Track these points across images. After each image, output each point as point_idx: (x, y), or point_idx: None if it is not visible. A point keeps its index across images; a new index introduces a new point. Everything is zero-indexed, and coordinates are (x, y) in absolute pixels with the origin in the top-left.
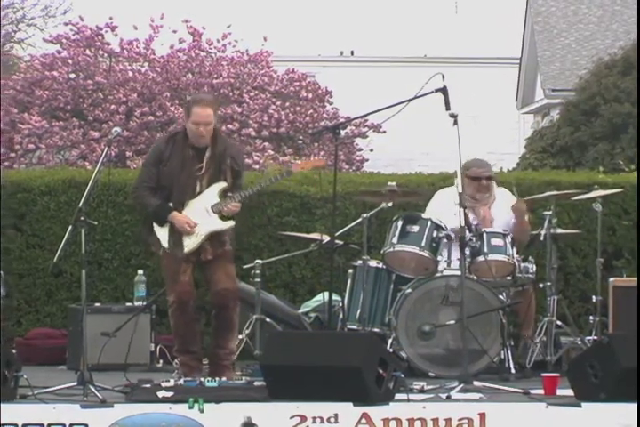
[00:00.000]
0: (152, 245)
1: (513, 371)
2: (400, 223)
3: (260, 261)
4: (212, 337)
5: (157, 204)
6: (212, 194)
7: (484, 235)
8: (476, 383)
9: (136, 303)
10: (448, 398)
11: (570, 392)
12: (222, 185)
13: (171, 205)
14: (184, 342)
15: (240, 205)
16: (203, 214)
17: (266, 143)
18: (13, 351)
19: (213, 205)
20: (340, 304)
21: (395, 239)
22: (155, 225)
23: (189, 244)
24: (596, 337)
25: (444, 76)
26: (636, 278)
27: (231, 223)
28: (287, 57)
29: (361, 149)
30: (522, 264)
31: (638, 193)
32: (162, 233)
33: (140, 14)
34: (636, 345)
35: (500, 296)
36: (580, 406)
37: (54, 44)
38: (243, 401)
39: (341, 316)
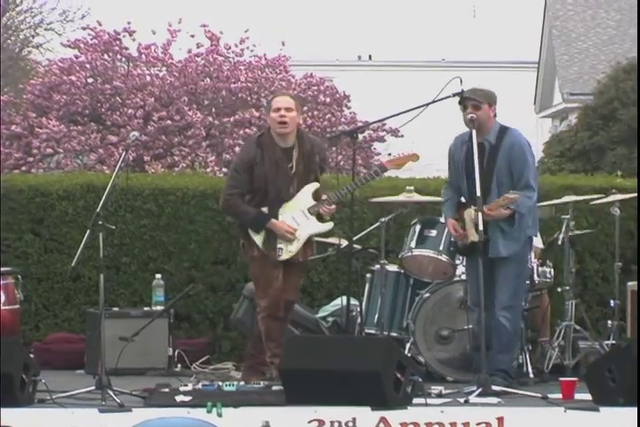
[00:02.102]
0: (244, 250)
1: (531, 375)
2: (418, 228)
3: None
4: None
5: (255, 212)
6: (306, 196)
7: None
8: (494, 388)
9: (154, 308)
10: (466, 402)
11: (588, 397)
12: (315, 186)
13: (265, 209)
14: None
15: (335, 207)
16: (301, 218)
17: None
18: (31, 356)
19: (310, 208)
20: (358, 309)
21: (413, 243)
22: (259, 235)
23: (291, 249)
24: (614, 341)
25: (461, 80)
26: None
27: (330, 225)
28: (305, 61)
29: (379, 154)
30: (540, 268)
31: (638, 198)
32: (257, 237)
33: (158, 19)
34: None
35: None
36: (598, 410)
37: (72, 48)
38: (261, 405)
39: (359, 320)
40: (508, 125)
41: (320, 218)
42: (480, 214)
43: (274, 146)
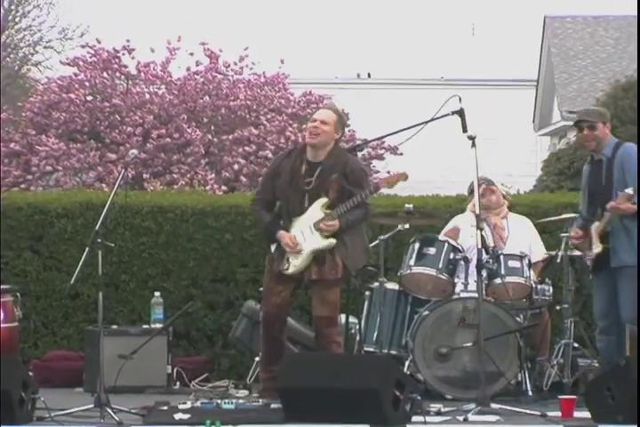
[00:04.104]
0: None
1: (530, 393)
2: (417, 245)
3: None
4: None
5: (268, 221)
6: (315, 211)
7: (501, 257)
8: (494, 406)
9: (153, 325)
10: (465, 420)
11: (587, 415)
12: (323, 201)
13: (281, 222)
14: (264, 358)
15: (337, 223)
16: (307, 232)
17: None
18: (30, 373)
19: (315, 223)
20: (357, 326)
21: (412, 261)
22: (272, 246)
23: (295, 264)
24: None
25: (460, 99)
26: None
27: (331, 241)
28: (304, 79)
29: (378, 171)
30: (539, 286)
31: (638, 207)
32: (273, 250)
33: (157, 37)
34: None
35: (517, 318)
36: None
37: (71, 66)
38: (260, 423)
39: (358, 338)
40: (623, 140)
41: (325, 235)
42: (479, 232)
43: (301, 159)
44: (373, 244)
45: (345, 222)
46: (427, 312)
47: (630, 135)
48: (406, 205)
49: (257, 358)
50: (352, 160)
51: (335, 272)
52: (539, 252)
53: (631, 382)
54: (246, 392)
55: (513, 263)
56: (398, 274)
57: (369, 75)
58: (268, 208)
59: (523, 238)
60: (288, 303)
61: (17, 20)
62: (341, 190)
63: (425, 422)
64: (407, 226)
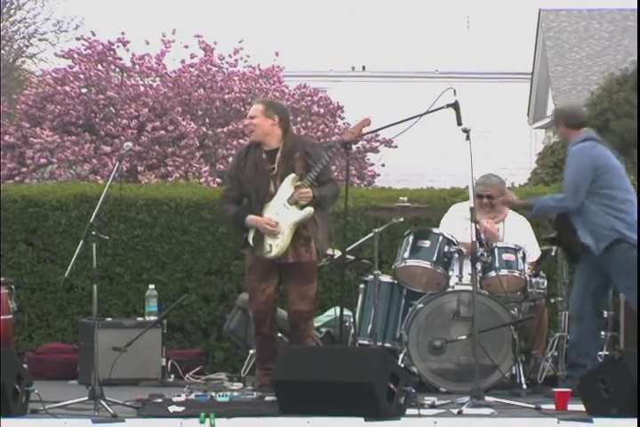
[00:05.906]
0: (245, 258)
1: (524, 386)
2: (411, 238)
3: None
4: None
5: (234, 212)
6: (286, 188)
7: (496, 250)
8: (488, 398)
9: (147, 318)
10: (459, 413)
11: (581, 408)
12: (292, 176)
13: (246, 210)
14: (259, 358)
15: (310, 190)
16: (282, 211)
17: None
18: (25, 366)
19: (288, 198)
20: (352, 319)
21: (406, 254)
22: (249, 234)
23: (277, 243)
24: (607, 352)
25: (455, 91)
26: None
27: (308, 210)
28: (299, 72)
29: (372, 164)
30: (533, 279)
31: (638, 204)
32: (250, 234)
33: (152, 29)
34: None
35: (512, 311)
36: (591, 421)
37: (66, 58)
38: (254, 416)
39: (352, 331)
40: None
41: (301, 206)
42: (474, 225)
43: (260, 150)
44: (368, 236)
45: (317, 192)
46: (421, 305)
47: (624, 128)
48: (401, 198)
49: (251, 351)
50: (308, 140)
51: (310, 255)
52: (532, 253)
53: (626, 376)
54: (241, 385)
55: (507, 256)
56: (393, 267)
57: (364, 68)
58: (238, 203)
59: (517, 238)
60: (274, 300)
61: (12, 12)
62: (307, 167)
63: (419, 415)
64: (402, 219)
